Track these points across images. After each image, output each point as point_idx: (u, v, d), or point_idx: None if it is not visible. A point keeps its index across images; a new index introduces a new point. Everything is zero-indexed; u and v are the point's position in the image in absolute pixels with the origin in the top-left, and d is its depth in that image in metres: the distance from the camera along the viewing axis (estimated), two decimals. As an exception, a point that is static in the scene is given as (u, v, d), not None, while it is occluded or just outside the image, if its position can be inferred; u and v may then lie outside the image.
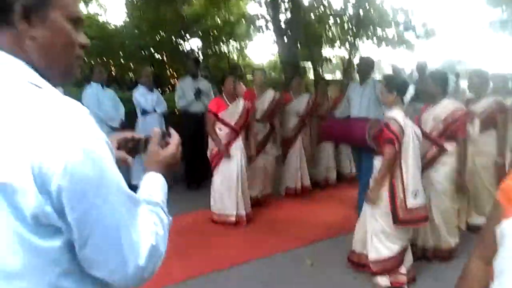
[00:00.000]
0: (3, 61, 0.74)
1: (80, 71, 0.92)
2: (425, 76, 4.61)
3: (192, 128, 5.55)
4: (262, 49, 31.18)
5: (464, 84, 7.86)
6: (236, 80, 4.57)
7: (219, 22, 12.34)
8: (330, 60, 11.45)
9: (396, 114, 3.06)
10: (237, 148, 4.48)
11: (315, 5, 10.42)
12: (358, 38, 10.93)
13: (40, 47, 0.77)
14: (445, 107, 3.42)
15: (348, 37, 11.14)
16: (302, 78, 6.30)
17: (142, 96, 5.63)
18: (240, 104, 4.50)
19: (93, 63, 7.13)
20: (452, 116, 3.38)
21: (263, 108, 5.12)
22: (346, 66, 11.74)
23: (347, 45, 11.43)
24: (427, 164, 3.38)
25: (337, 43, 11.58)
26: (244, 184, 4.54)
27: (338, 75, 16.80)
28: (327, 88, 6.44)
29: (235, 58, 13.40)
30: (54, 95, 0.73)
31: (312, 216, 4.82)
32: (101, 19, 13.96)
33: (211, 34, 12.07)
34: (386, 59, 15.29)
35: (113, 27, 10.78)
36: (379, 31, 10.73)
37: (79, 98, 5.23)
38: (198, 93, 5.72)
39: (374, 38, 10.81)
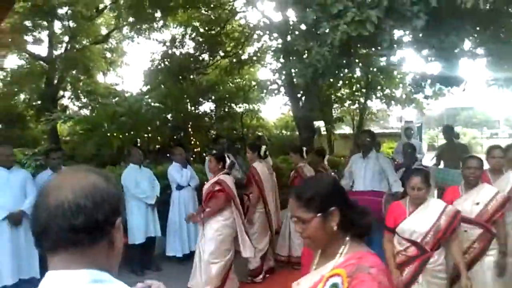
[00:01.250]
0: (107, 279, 0.86)
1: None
2: (454, 144, 4.50)
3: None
4: (273, 109, 31.74)
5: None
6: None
7: (232, 86, 12.99)
8: (342, 119, 11.93)
9: None
10: (203, 222, 4.61)
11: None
12: (368, 98, 11.47)
13: (114, 251, 0.91)
14: (487, 192, 3.32)
15: (358, 97, 11.68)
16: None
17: (178, 173, 5.99)
18: (210, 181, 4.66)
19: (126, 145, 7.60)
20: (498, 201, 3.30)
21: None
22: (358, 124, 12.25)
23: (357, 103, 11.99)
24: None
25: (347, 102, 12.12)
26: (202, 256, 4.51)
27: (348, 130, 17.26)
28: (320, 159, 6.44)
29: (248, 120, 13.84)
30: None
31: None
32: (119, 88, 14.82)
33: (225, 98, 12.66)
34: (394, 112, 15.69)
35: (133, 98, 11.29)
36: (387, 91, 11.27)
37: (116, 176, 5.57)
38: (231, 167, 6.04)
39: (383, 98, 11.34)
